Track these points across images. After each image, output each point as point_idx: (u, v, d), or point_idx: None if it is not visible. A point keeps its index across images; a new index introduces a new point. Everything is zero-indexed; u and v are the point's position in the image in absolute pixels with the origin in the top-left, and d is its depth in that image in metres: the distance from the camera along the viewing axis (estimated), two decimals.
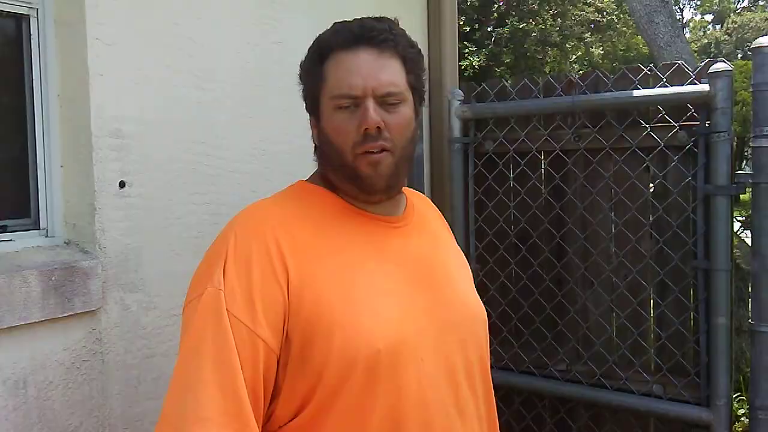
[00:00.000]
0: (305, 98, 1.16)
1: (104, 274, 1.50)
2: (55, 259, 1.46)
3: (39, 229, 1.54)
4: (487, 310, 2.60)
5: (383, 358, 0.99)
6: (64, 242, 1.54)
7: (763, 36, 1.95)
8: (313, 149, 1.18)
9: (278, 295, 0.99)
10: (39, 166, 1.53)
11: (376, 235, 1.10)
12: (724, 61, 2.01)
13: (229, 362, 0.95)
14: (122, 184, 1.54)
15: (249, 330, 0.96)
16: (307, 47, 1.16)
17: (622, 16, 16.53)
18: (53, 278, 1.41)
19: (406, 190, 1.23)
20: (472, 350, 1.13)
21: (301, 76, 1.16)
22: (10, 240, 1.48)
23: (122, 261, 1.55)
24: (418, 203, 1.25)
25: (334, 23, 1.13)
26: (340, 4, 2.10)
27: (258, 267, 0.99)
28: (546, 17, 14.26)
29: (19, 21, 1.51)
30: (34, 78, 1.52)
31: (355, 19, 1.12)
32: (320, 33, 1.14)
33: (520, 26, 13.51)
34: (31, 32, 1.52)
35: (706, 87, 2.00)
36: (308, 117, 1.18)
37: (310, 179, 1.18)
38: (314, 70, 1.11)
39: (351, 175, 1.09)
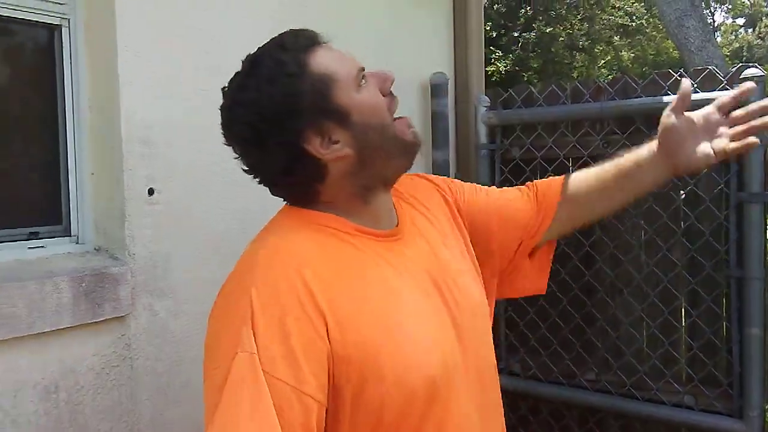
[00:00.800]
0: (305, 119, 1.00)
1: (133, 280, 1.52)
2: (85, 266, 1.48)
3: (70, 235, 1.56)
4: (514, 319, 2.56)
5: (439, 382, 0.98)
6: (95, 249, 1.56)
7: None
8: (312, 181, 1.03)
9: (320, 344, 0.90)
10: (70, 174, 1.56)
11: (388, 253, 1.05)
12: (756, 66, 1.97)
13: None
14: (151, 192, 1.56)
15: (294, 389, 0.87)
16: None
17: (651, 20, 16.37)
18: (84, 284, 1.43)
19: None
20: (469, 343, 1.09)
21: (287, 98, 1.01)
22: (42, 246, 1.50)
23: (151, 267, 1.56)
24: (398, 196, 1.18)
25: (267, 43, 1.10)
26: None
27: (292, 317, 0.90)
28: (574, 22, 14.17)
29: (51, 31, 1.54)
30: (66, 86, 1.55)
31: (281, 34, 1.10)
32: (259, 58, 1.09)
33: (548, 31, 13.44)
34: (63, 42, 1.54)
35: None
36: (302, 146, 1.00)
37: (301, 204, 1.07)
38: (306, 78, 1.01)
39: (400, 148, 1.06)
